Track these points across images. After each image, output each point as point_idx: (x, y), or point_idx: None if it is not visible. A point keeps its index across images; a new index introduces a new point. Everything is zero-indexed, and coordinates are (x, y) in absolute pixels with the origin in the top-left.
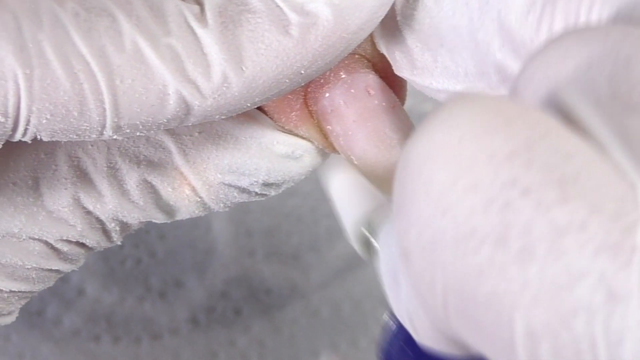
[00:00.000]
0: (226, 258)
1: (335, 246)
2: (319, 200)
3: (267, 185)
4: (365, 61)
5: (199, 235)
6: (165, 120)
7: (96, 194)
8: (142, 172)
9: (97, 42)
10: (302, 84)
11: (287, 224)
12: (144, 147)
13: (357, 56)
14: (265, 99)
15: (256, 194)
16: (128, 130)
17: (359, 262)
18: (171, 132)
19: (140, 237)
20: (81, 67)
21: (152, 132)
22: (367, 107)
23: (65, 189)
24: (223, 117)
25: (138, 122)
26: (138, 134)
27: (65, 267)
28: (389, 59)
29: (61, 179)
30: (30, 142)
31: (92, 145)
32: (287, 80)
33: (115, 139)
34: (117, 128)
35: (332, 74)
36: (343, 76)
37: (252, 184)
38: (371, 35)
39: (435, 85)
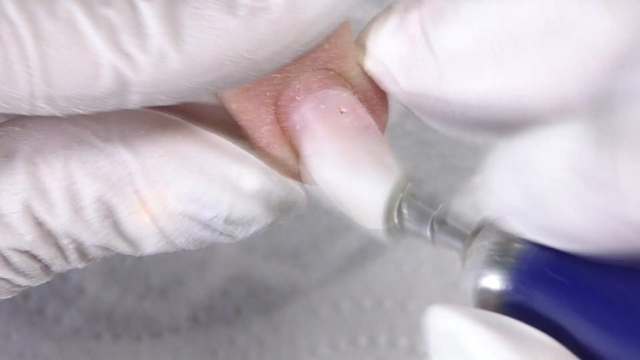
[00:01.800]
0: (226, 256)
1: (336, 245)
2: (319, 199)
3: (230, 223)
4: (342, 79)
5: None
6: (101, 95)
7: (48, 204)
8: (99, 188)
9: (28, 7)
10: (252, 74)
11: (287, 223)
12: (104, 164)
13: (331, 72)
14: (210, 82)
15: (220, 233)
16: (63, 104)
17: (359, 261)
18: (133, 151)
19: None
20: (8, 30)
21: (91, 109)
22: (338, 125)
23: (17, 193)
24: (168, 98)
25: (71, 95)
26: (76, 109)
27: (17, 279)
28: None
29: (15, 183)
30: None
31: (52, 153)
32: (230, 63)
33: (76, 150)
34: (49, 99)
35: (302, 88)
36: (315, 91)
37: (213, 219)
38: (357, 58)
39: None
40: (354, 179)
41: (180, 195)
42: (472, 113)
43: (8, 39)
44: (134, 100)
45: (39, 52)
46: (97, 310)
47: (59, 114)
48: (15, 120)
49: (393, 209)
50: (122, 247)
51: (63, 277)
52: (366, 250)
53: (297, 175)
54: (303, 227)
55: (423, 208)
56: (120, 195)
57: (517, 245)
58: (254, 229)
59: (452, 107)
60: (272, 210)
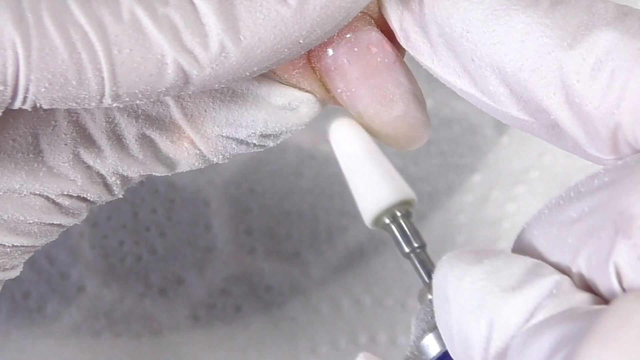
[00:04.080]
0: (226, 255)
1: (335, 243)
2: (319, 198)
3: (264, 136)
4: (368, 18)
5: (199, 232)
6: (163, 89)
7: (96, 149)
8: (141, 126)
9: (95, 12)
10: (302, 53)
11: (287, 222)
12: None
13: (359, 14)
14: (264, 69)
15: (254, 145)
16: (127, 99)
17: (359, 260)
18: None
19: (140, 234)
20: (79, 37)
21: (151, 100)
22: (369, 65)
23: (65, 144)
24: (222, 85)
25: (137, 91)
26: (137, 101)
27: (67, 221)
28: (395, 31)
29: (61, 134)
30: (30, 109)
31: None
32: (285, 50)
33: None
34: (116, 97)
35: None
36: (346, 35)
37: (249, 136)
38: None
39: (445, 77)
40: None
41: (217, 120)
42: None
43: (80, 46)
44: (192, 90)
45: (109, 57)
46: (97, 309)
47: (121, 106)
48: None
49: (387, 214)
50: (160, 170)
51: (63, 275)
52: (366, 249)
53: (324, 100)
54: (303, 226)
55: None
56: (161, 128)
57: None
58: (283, 137)
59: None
60: (302, 120)
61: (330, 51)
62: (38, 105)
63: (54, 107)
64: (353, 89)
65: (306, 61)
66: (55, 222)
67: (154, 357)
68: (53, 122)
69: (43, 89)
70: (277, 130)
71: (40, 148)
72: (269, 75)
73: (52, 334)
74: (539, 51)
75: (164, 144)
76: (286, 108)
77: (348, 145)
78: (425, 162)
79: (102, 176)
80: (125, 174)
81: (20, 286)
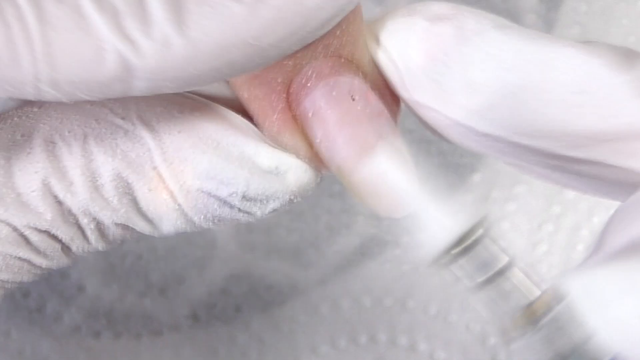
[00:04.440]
0: (226, 254)
1: (336, 243)
2: (319, 197)
3: (247, 199)
4: (354, 66)
5: (199, 231)
6: (105, 79)
7: (67, 182)
8: (117, 166)
9: None
10: (259, 62)
11: (288, 221)
12: (122, 141)
13: (343, 60)
14: (217, 70)
15: (239, 210)
16: (68, 89)
17: (359, 259)
18: (151, 128)
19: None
20: (12, 11)
21: (97, 95)
22: (349, 112)
23: (36, 172)
24: (174, 85)
25: (76, 79)
26: (83, 96)
27: (37, 260)
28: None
29: (34, 162)
30: None
31: (68, 132)
32: (235, 50)
33: (94, 128)
34: (54, 83)
35: (314, 75)
36: (326, 78)
37: (231, 195)
38: (368, 47)
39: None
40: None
41: (198, 172)
42: (476, 128)
43: (12, 21)
44: (139, 87)
45: (43, 35)
46: (97, 309)
47: (64, 100)
48: (33, 102)
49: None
50: (142, 226)
51: (63, 274)
52: (366, 249)
53: (309, 163)
54: (303, 225)
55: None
56: (139, 172)
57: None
58: (271, 206)
59: (455, 128)
60: (289, 188)
61: (308, 94)
62: None
63: None
64: (330, 138)
65: (286, 106)
66: (22, 257)
67: (154, 356)
68: (28, 149)
69: None
70: (259, 193)
71: (11, 172)
72: (256, 134)
73: (52, 333)
74: None
75: (141, 190)
76: (271, 172)
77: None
78: (425, 162)
79: (73, 215)
80: (99, 219)
81: (20, 286)
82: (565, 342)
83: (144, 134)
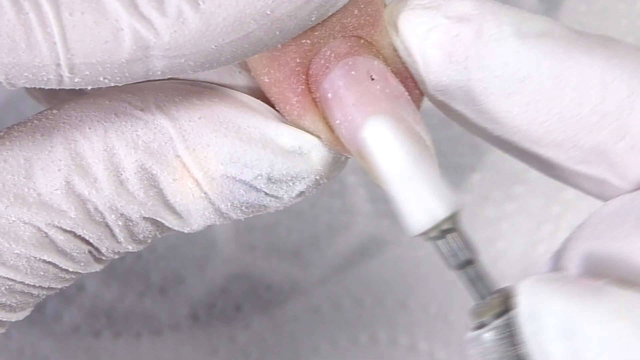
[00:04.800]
0: (226, 254)
1: (336, 242)
2: (319, 196)
3: (273, 181)
4: (373, 48)
5: (199, 231)
6: (124, 61)
7: (91, 179)
8: (140, 157)
9: None
10: (277, 34)
11: (288, 220)
12: (143, 132)
13: (362, 40)
14: (234, 44)
15: (266, 194)
16: (87, 72)
17: (360, 259)
18: (170, 117)
19: None
20: None
21: (117, 78)
22: (368, 91)
23: (59, 170)
24: (192, 63)
25: (95, 61)
26: (101, 78)
27: (63, 262)
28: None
29: (55, 160)
30: None
31: (89, 128)
32: (252, 21)
33: (113, 122)
34: (73, 67)
35: (333, 55)
36: (345, 58)
37: (256, 178)
38: (388, 30)
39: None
40: (408, 184)
41: (221, 157)
42: (488, 130)
43: (27, 7)
44: (159, 66)
45: (59, 19)
46: (97, 308)
47: (85, 85)
48: (53, 105)
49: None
50: (170, 220)
51: None
52: (366, 249)
53: (331, 147)
54: (303, 225)
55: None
56: (162, 162)
57: None
58: (298, 188)
59: (470, 119)
60: (314, 167)
61: (327, 75)
62: None
63: (11, 80)
64: (349, 118)
65: (305, 89)
66: (47, 259)
67: (154, 356)
68: (49, 147)
69: None
70: (284, 174)
71: (32, 172)
72: (275, 116)
73: (52, 333)
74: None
75: (166, 180)
76: (295, 152)
77: (390, 149)
78: None
79: (100, 213)
80: (125, 214)
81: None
82: (507, 352)
83: (165, 123)
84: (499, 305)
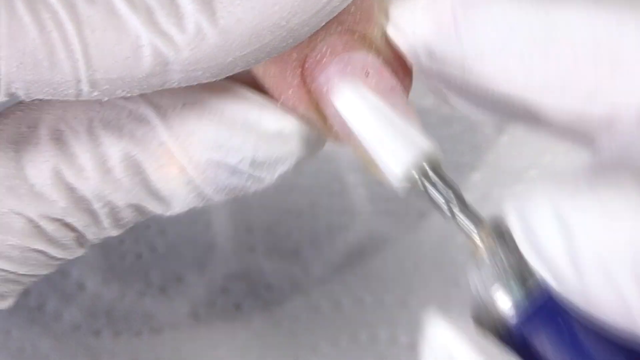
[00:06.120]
0: (226, 253)
1: (336, 241)
2: (319, 196)
3: (256, 164)
4: (367, 42)
5: (199, 230)
6: (143, 75)
7: (78, 168)
8: (125, 146)
9: None
10: (290, 42)
11: (287, 220)
12: (127, 120)
13: (357, 35)
14: (250, 55)
15: (248, 177)
16: (107, 87)
17: (360, 257)
18: (154, 105)
19: (140, 232)
20: (48, 15)
21: (135, 92)
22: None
23: (47, 161)
24: (208, 75)
25: (115, 77)
26: (121, 92)
27: (53, 250)
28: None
29: (43, 152)
30: (7, 98)
31: (74, 118)
32: (268, 34)
33: (98, 111)
34: (94, 83)
35: (329, 51)
36: (341, 54)
37: (240, 162)
38: (380, 21)
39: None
40: (380, 139)
41: (205, 143)
42: (491, 99)
43: (50, 25)
44: (176, 79)
45: (81, 37)
46: (97, 307)
47: (102, 97)
48: None
49: (417, 170)
50: (154, 205)
51: (63, 273)
52: (366, 247)
53: (325, 137)
54: (303, 224)
55: (448, 179)
56: (147, 150)
57: (536, 279)
58: (280, 170)
59: (471, 90)
60: (296, 149)
61: (323, 70)
62: (14, 91)
63: (32, 96)
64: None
65: (301, 81)
66: (38, 248)
67: (154, 355)
68: (36, 140)
69: (14, 69)
70: (268, 156)
71: (22, 164)
72: (259, 101)
73: (52, 332)
74: None
75: (151, 168)
76: (277, 135)
77: (356, 107)
78: None
79: (87, 201)
80: (112, 202)
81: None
82: (506, 271)
83: (148, 112)
84: (491, 230)
